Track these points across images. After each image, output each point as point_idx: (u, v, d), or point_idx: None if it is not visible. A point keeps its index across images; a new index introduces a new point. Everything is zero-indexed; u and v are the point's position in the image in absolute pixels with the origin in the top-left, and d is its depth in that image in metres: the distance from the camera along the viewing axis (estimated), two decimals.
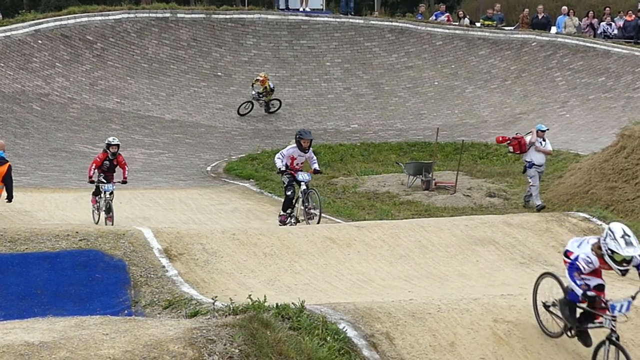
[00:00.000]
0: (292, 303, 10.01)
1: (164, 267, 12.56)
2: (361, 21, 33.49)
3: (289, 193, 16.93)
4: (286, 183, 17.00)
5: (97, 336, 8.74)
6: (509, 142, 20.47)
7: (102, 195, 17.63)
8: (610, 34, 32.59)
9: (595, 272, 9.94)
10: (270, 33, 32.63)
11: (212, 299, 10.84)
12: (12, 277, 12.33)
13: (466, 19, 34.29)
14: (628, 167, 19.21)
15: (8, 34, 29.10)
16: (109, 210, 17.49)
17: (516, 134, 21.05)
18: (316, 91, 31.28)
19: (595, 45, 31.64)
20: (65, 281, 12.29)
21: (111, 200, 17.56)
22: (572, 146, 24.77)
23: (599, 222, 15.33)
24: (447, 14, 34.67)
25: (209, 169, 24.63)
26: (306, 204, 16.73)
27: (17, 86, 27.91)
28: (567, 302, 10.10)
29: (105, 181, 17.73)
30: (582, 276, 9.83)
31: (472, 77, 31.82)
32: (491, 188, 21.59)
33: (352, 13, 34.61)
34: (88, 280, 12.34)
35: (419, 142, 27.30)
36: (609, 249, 9.63)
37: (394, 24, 33.42)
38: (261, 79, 29.30)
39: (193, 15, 32.54)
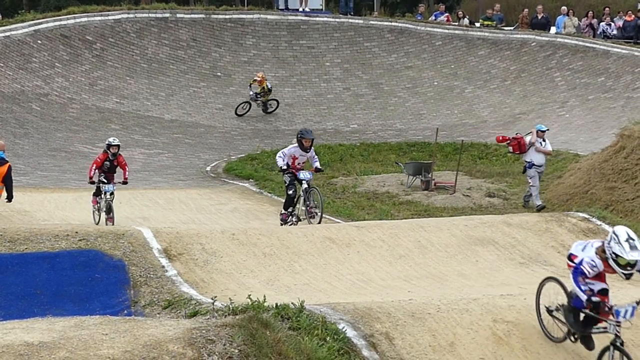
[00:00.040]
0: (292, 303, 10.01)
1: (163, 267, 12.57)
2: (361, 21, 33.50)
3: (290, 192, 16.91)
4: (287, 182, 16.98)
5: (97, 336, 8.74)
6: (508, 142, 20.47)
7: (103, 195, 17.62)
8: (610, 34, 32.60)
9: (599, 276, 9.89)
10: (269, 33, 32.64)
11: (212, 299, 10.84)
12: (12, 277, 12.33)
13: (466, 19, 34.29)
14: (627, 167, 19.21)
15: (7, 34, 29.09)
16: (109, 210, 17.47)
17: (516, 134, 21.04)
18: (316, 91, 31.28)
19: (594, 46, 31.65)
20: (65, 281, 12.29)
21: (111, 201, 17.55)
22: (571, 146, 24.77)
23: (599, 222, 15.34)
24: (446, 14, 34.67)
25: (208, 169, 24.63)
26: (308, 202, 16.71)
27: (16, 86, 27.91)
28: (572, 309, 10.04)
29: (105, 181, 17.71)
30: (587, 280, 9.79)
31: (471, 77, 31.83)
32: (491, 188, 21.59)
33: (352, 13, 34.62)
34: (87, 280, 12.34)
35: (418, 142, 27.30)
36: (613, 252, 9.58)
37: (393, 24, 33.42)
38: (259, 79, 29.30)
39: (192, 16, 32.55)
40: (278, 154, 17.27)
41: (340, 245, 13.99)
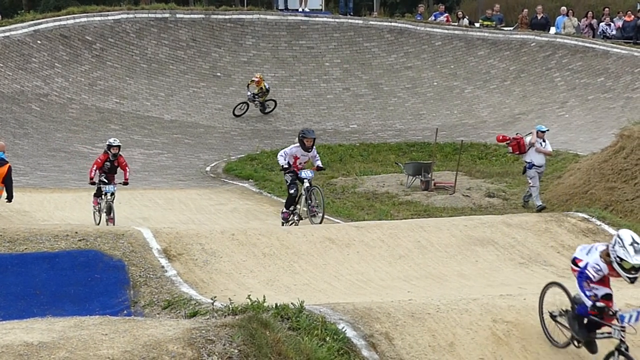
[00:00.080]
0: (292, 303, 10.01)
1: (163, 267, 12.57)
2: (360, 21, 33.50)
3: (292, 191, 16.88)
4: (289, 181, 16.94)
5: (96, 336, 8.74)
6: (508, 142, 20.46)
7: (103, 196, 17.60)
8: (609, 34, 32.60)
9: (603, 281, 9.86)
10: (269, 33, 32.64)
11: (211, 299, 10.86)
12: (11, 277, 12.33)
13: (465, 19, 34.29)
14: (627, 168, 19.21)
15: (7, 34, 29.09)
16: (109, 211, 17.47)
17: (516, 134, 21.04)
18: (315, 91, 31.28)
19: (594, 46, 31.65)
20: (65, 281, 12.29)
21: (112, 201, 17.54)
22: (571, 146, 24.77)
23: (598, 223, 15.33)
24: (446, 15, 34.67)
25: (208, 169, 24.63)
26: (309, 201, 16.69)
27: (16, 86, 27.91)
28: (576, 317, 10.00)
29: (106, 181, 17.70)
30: (591, 285, 9.76)
31: (471, 77, 31.83)
32: (490, 188, 21.59)
33: (351, 13, 34.62)
34: (87, 280, 12.34)
35: (418, 142, 27.30)
36: (618, 256, 9.54)
37: (393, 24, 33.42)
38: (257, 79, 29.31)
39: (192, 16, 32.54)
40: (279, 153, 17.22)
41: (339, 246, 13.99)
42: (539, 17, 33.63)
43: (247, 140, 27.88)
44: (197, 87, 30.73)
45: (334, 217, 18.55)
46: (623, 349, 9.56)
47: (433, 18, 34.64)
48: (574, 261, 10.13)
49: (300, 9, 33.80)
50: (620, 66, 30.31)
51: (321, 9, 34.75)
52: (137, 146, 26.26)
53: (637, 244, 9.53)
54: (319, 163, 17.15)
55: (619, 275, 9.67)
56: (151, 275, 12.32)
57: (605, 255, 9.73)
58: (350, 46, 32.65)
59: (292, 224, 16.87)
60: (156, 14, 32.21)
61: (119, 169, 17.94)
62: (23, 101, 27.51)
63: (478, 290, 12.40)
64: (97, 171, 17.71)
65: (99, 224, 17.28)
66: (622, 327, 9.57)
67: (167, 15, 32.26)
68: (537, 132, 20.27)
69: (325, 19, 33.33)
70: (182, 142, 27.49)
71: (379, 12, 37.92)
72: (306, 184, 16.77)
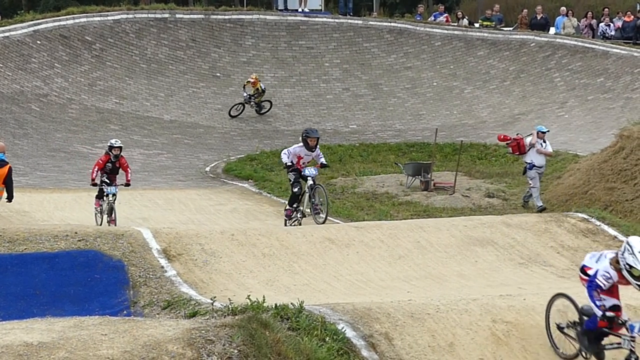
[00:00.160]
0: (291, 303, 10.01)
1: (162, 267, 12.57)
2: (360, 22, 33.49)
3: (295, 190, 16.86)
4: (292, 180, 16.91)
5: (96, 337, 8.75)
6: (508, 142, 20.47)
7: (105, 197, 17.57)
8: (609, 34, 32.61)
9: (612, 292, 9.77)
10: (269, 34, 32.63)
11: (211, 299, 10.86)
12: (11, 277, 12.34)
13: (465, 19, 34.29)
14: (627, 168, 19.21)
15: (7, 34, 29.08)
16: (111, 212, 17.44)
17: (517, 134, 21.04)
18: (315, 92, 31.28)
19: (593, 46, 31.65)
20: (64, 281, 12.29)
21: (113, 202, 17.52)
22: (570, 147, 24.77)
23: (598, 223, 15.34)
24: (445, 15, 34.67)
25: (207, 169, 24.63)
26: (313, 199, 16.67)
27: (15, 87, 27.90)
28: (585, 332, 9.90)
29: (108, 182, 17.67)
30: (601, 296, 9.66)
31: (470, 77, 31.82)
32: (490, 189, 21.59)
33: (351, 13, 34.61)
34: (87, 280, 12.34)
35: (417, 142, 27.30)
36: (627, 263, 9.48)
37: (392, 24, 33.41)
38: (253, 80, 29.30)
39: (192, 16, 32.54)
40: (283, 151, 17.18)
41: (339, 246, 13.99)
42: (538, 18, 33.64)
43: (246, 140, 27.88)
44: (196, 88, 30.72)
45: (333, 218, 18.55)
46: (633, 359, 9.50)
47: (433, 18, 34.64)
48: (583, 269, 10.03)
49: (299, 9, 33.80)
50: (619, 66, 30.31)
51: (321, 9, 34.74)
52: (136, 146, 26.26)
53: None
54: (322, 160, 17.15)
55: (628, 283, 9.60)
56: (151, 276, 12.32)
57: (615, 262, 9.65)
58: (350, 46, 32.65)
59: (295, 221, 16.87)
60: (156, 14, 32.21)
61: (120, 169, 17.91)
62: (23, 101, 27.50)
63: (478, 291, 12.40)
64: (99, 172, 17.68)
65: (100, 225, 17.26)
66: (632, 337, 9.50)
67: (166, 15, 32.26)
68: (537, 133, 20.27)
69: (324, 19, 33.32)
70: (181, 142, 27.48)
71: (378, 12, 37.93)
72: (310, 182, 16.75)
